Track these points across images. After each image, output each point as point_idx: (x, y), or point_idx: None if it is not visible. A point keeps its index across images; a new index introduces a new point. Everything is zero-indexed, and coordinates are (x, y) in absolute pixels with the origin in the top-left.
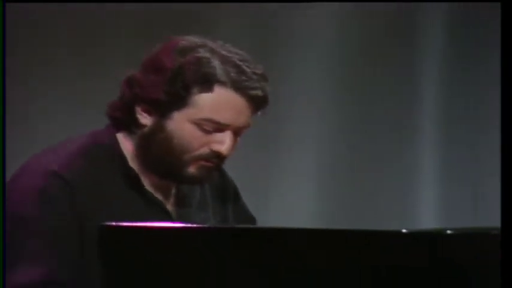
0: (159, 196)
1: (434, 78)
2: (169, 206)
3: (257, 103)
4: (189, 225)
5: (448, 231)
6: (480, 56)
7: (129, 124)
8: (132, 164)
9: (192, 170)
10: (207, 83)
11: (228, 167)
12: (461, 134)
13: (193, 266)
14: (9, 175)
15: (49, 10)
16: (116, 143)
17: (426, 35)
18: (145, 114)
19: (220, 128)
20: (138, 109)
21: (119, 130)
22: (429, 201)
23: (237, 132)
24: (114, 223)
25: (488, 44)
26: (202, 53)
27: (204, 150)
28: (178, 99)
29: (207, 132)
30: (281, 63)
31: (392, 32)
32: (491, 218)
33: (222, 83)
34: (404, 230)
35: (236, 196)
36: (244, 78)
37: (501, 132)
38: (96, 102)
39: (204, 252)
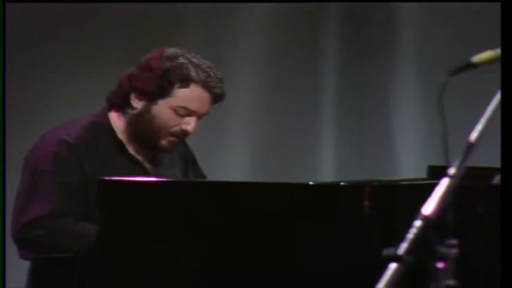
0: (139, 158)
1: (334, 69)
2: (147, 165)
3: (217, 98)
4: (163, 179)
5: (342, 183)
6: (372, 53)
7: (123, 107)
8: (120, 135)
9: (164, 142)
10: (186, 81)
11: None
12: (352, 114)
13: (168, 209)
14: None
15: (49, 10)
16: (108, 120)
17: (328, 35)
18: (137, 100)
19: (189, 113)
20: (132, 96)
21: (114, 111)
22: (328, 160)
23: (199, 117)
24: (107, 177)
25: (379, 43)
26: (182, 60)
27: (176, 129)
28: (164, 91)
29: (180, 116)
30: (219, 56)
31: (302, 32)
32: (373, 173)
33: (195, 82)
34: (311, 182)
35: (193, 160)
36: (210, 80)
37: (501, 131)
38: (89, 100)
39: (175, 198)
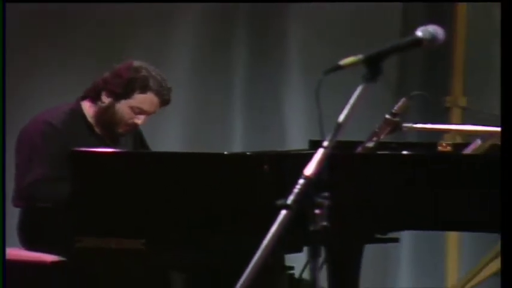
0: (103, 136)
1: (243, 66)
2: (108, 141)
3: (164, 103)
4: (119, 150)
5: (248, 153)
6: (270, 53)
7: (95, 99)
8: (90, 119)
9: (120, 130)
10: (144, 89)
11: None
12: (255, 102)
13: (123, 170)
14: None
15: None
16: (81, 108)
17: (238, 40)
18: (106, 97)
19: (142, 112)
20: (103, 93)
21: (87, 101)
22: (238, 137)
23: (149, 115)
24: (77, 148)
25: (275, 45)
26: (144, 73)
27: (130, 122)
28: (127, 94)
29: (135, 112)
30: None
31: (219, 37)
32: (271, 145)
33: (151, 90)
34: (226, 152)
35: (141, 137)
36: (162, 89)
37: (501, 131)
38: (66, 93)
39: (128, 164)
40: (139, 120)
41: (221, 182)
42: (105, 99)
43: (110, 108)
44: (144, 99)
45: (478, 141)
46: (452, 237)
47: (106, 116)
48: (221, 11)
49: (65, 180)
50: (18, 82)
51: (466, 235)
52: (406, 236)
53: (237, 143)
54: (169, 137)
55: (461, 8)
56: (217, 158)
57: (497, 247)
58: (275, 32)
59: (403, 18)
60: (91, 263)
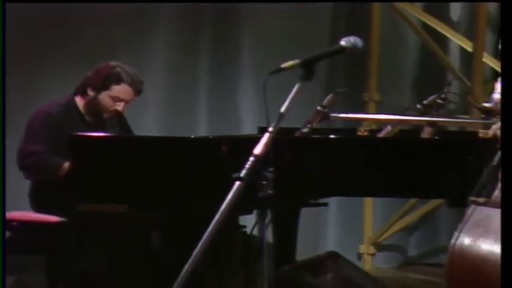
0: (93, 123)
1: (206, 66)
2: (98, 128)
3: (138, 92)
4: (110, 134)
5: (210, 136)
6: (230, 53)
7: (84, 94)
8: (82, 110)
9: (105, 115)
10: (119, 81)
11: None
12: (218, 96)
13: (114, 151)
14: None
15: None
16: (74, 101)
17: (203, 43)
18: (90, 91)
19: (120, 100)
20: (88, 88)
21: (79, 95)
22: (203, 125)
23: (127, 103)
24: (76, 133)
25: (233, 46)
26: (118, 70)
27: (112, 109)
28: (105, 87)
29: (115, 101)
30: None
31: (187, 37)
32: (229, 131)
33: (125, 82)
34: (192, 136)
35: (126, 123)
36: (134, 81)
37: (501, 131)
38: (64, 87)
39: (118, 147)
40: (119, 107)
41: (189, 159)
42: (90, 92)
43: (94, 99)
44: (120, 90)
45: (389, 127)
46: (368, 202)
47: (93, 106)
48: (188, 20)
49: (61, 156)
50: (18, 82)
51: (378, 200)
52: (333, 201)
53: (202, 129)
54: (148, 125)
55: (376, 10)
56: (186, 141)
57: (402, 209)
58: (231, 40)
59: (332, 17)
60: (88, 222)
